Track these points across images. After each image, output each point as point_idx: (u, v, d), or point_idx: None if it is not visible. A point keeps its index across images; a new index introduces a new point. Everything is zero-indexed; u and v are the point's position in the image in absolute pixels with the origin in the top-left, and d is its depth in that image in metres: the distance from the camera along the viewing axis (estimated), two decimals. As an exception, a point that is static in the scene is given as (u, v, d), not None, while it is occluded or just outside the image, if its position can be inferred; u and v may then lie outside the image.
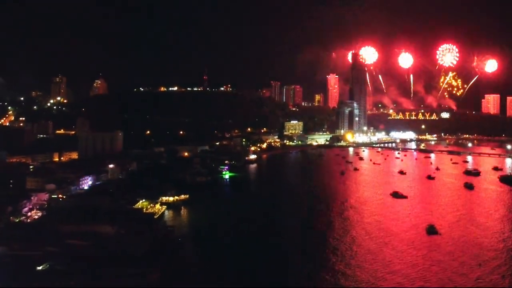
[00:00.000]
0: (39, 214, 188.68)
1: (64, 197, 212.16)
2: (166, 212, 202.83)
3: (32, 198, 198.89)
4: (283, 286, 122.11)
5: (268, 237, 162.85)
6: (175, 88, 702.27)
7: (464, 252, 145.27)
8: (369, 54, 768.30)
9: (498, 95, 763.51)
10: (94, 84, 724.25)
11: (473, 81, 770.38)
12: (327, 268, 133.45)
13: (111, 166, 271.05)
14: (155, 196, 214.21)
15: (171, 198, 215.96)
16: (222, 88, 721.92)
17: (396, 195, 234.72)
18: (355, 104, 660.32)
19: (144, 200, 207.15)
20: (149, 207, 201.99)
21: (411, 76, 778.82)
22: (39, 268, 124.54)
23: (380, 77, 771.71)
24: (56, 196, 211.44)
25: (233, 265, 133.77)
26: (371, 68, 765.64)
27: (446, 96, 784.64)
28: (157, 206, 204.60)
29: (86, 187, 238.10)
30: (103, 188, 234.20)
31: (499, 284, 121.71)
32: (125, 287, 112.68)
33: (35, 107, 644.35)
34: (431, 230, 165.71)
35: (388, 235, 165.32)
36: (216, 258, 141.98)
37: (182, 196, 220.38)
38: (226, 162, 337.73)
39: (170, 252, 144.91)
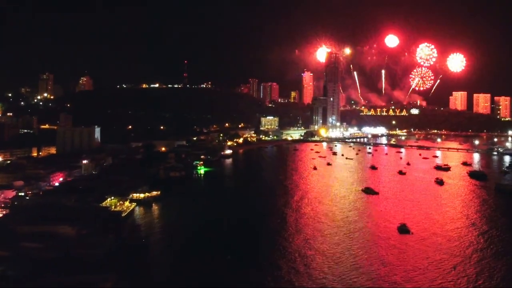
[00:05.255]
0: (4, 213, 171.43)
1: (31, 194, 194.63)
2: (136, 210, 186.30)
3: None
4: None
5: (235, 236, 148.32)
6: (157, 85, 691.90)
7: (436, 252, 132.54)
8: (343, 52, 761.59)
9: (465, 93, 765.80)
10: (80, 81, 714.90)
11: (437, 82, 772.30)
12: (289, 266, 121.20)
13: (84, 161, 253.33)
14: (126, 192, 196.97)
15: (142, 195, 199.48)
16: (203, 85, 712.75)
17: (367, 191, 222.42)
18: (328, 101, 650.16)
19: (113, 198, 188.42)
20: (118, 204, 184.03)
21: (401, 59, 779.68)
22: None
23: (355, 73, 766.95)
24: (23, 193, 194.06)
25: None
26: (344, 65, 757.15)
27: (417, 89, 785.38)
28: (126, 203, 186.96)
29: (56, 184, 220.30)
30: (73, 184, 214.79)
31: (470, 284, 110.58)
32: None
33: (22, 102, 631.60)
34: (403, 229, 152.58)
35: (359, 232, 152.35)
36: (177, 259, 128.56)
37: (154, 193, 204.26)
38: (202, 157, 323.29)
39: (132, 255, 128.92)
